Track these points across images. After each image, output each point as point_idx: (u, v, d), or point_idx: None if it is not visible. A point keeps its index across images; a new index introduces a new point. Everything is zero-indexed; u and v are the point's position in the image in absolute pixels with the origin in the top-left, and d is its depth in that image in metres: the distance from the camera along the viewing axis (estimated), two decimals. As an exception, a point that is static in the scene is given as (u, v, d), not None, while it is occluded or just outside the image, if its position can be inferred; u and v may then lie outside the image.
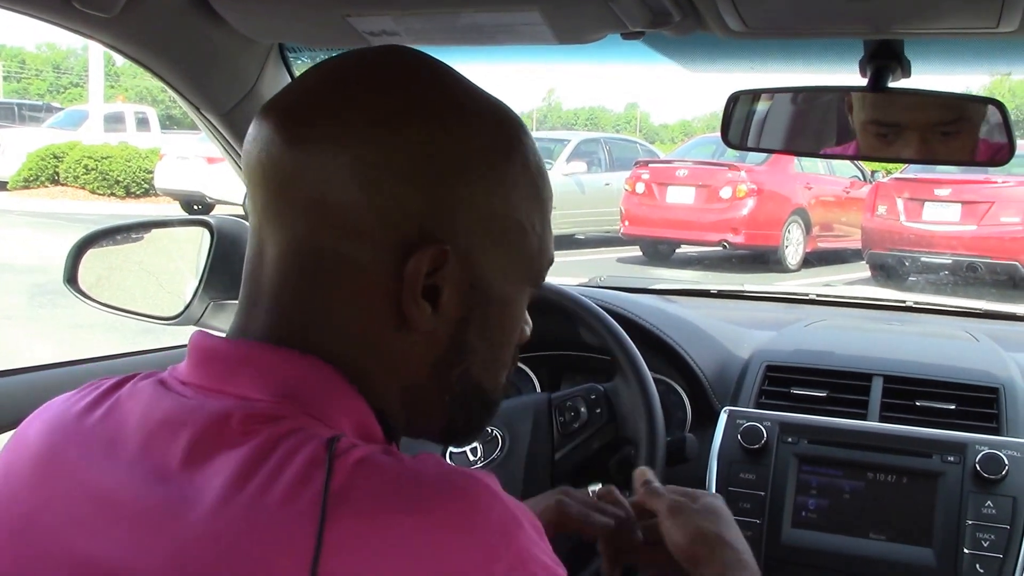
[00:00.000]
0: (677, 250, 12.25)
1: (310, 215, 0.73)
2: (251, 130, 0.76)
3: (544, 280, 0.83)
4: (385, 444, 0.73)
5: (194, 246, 1.78)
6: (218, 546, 0.63)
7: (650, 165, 12.29)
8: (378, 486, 0.64)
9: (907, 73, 1.29)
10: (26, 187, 16.93)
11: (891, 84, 1.28)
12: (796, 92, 1.40)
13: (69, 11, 1.21)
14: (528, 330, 0.86)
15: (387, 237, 0.72)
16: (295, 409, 0.69)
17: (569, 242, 12.88)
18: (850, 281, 9.91)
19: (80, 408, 0.77)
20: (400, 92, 0.74)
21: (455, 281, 0.74)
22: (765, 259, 11.49)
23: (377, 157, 0.72)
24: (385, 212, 0.72)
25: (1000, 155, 1.29)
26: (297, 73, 1.55)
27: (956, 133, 1.32)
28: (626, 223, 11.88)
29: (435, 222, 0.72)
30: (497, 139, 0.76)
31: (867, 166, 13.02)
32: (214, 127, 1.54)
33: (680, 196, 11.50)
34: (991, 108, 1.28)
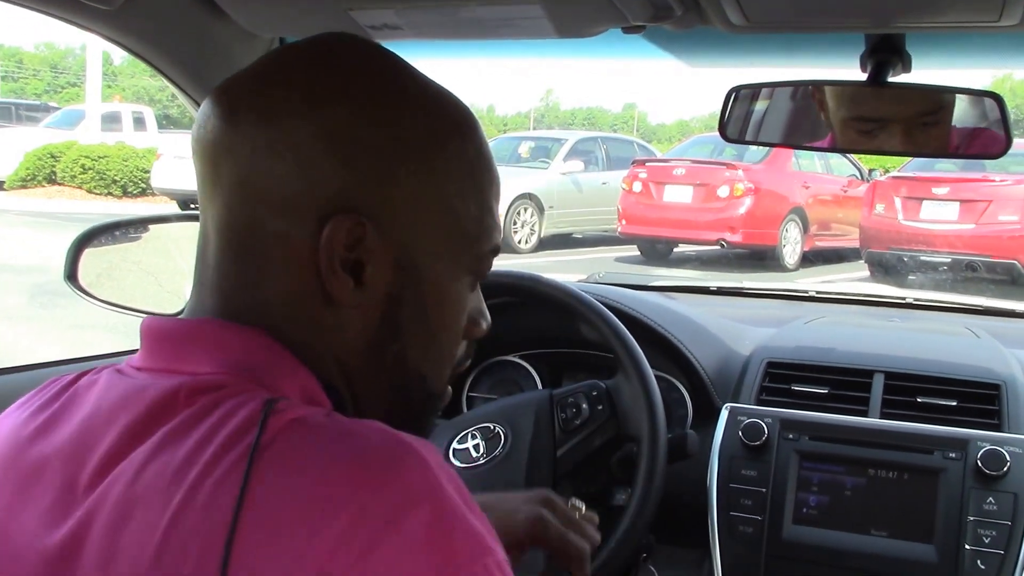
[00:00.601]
0: (675, 249, 12.24)
1: (240, 190, 0.74)
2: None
3: (487, 270, 0.83)
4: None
5: (192, 242, 1.78)
6: (155, 497, 0.64)
7: (647, 164, 12.26)
8: (308, 441, 0.65)
9: (907, 68, 1.29)
10: (23, 187, 16.91)
11: (891, 79, 1.29)
12: (796, 86, 1.40)
13: (71, 4, 1.21)
14: (485, 325, 0.86)
15: (309, 211, 0.73)
16: (242, 378, 0.70)
17: (567, 241, 12.89)
18: (848, 280, 9.91)
19: (27, 417, 0.77)
20: (336, 74, 0.75)
21: (380, 257, 0.74)
22: (763, 258, 11.48)
23: (302, 133, 0.73)
24: (307, 187, 0.73)
25: (997, 148, 1.30)
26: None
27: (954, 127, 1.33)
28: (623, 222, 11.86)
29: (356, 197, 0.73)
30: (433, 127, 0.77)
31: (865, 164, 13.03)
32: (214, 122, 1.53)
33: (677, 195, 11.49)
34: (989, 102, 1.29)
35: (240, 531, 0.61)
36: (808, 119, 1.42)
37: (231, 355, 0.72)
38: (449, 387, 0.85)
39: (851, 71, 1.32)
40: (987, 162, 9.98)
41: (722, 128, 1.42)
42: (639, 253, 12.13)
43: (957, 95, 1.32)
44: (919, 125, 1.34)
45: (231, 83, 0.77)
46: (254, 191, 0.73)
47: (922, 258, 9.93)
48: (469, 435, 1.49)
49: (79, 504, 0.68)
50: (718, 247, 11.51)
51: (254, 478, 0.63)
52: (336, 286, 0.73)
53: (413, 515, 0.62)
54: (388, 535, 0.61)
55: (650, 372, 1.43)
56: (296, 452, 0.64)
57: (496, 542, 0.66)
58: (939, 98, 1.32)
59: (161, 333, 0.75)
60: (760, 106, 1.41)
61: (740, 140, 1.44)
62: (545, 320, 1.72)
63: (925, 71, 1.33)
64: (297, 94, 0.74)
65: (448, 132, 0.78)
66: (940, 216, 9.91)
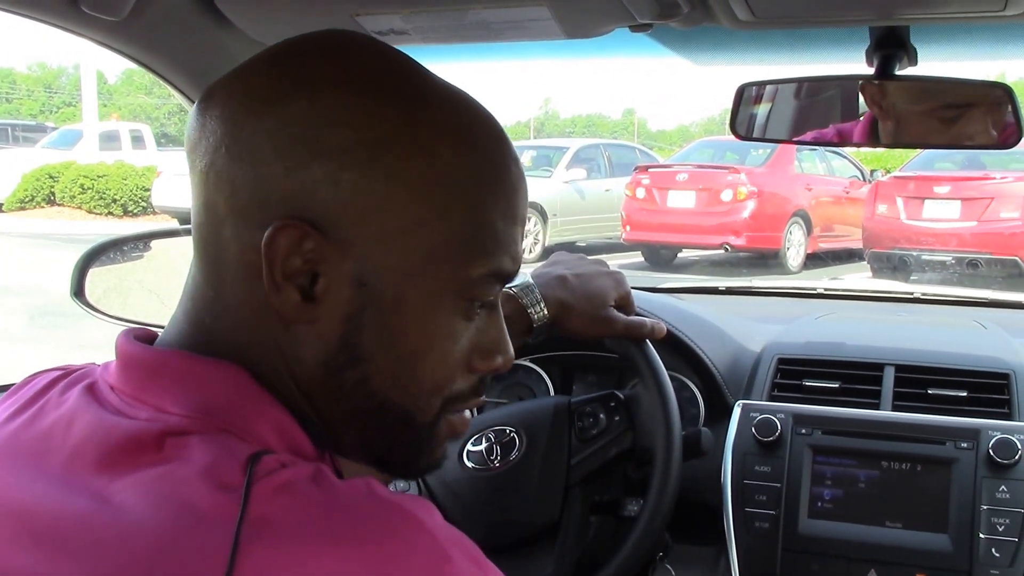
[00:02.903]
0: (679, 254, 12.26)
1: (204, 190, 0.71)
2: None
3: (488, 296, 0.74)
4: (316, 457, 0.70)
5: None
6: (132, 569, 0.60)
7: (650, 170, 12.28)
8: (299, 515, 0.60)
9: (913, 61, 1.30)
10: (22, 208, 16.96)
11: (898, 72, 1.29)
12: (803, 83, 1.41)
13: (77, 15, 1.21)
14: (501, 360, 0.77)
15: (256, 216, 0.68)
16: (208, 424, 0.66)
17: (571, 249, 12.84)
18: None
19: (9, 414, 0.75)
20: (305, 68, 0.70)
21: (335, 271, 0.68)
22: (767, 261, 11.49)
23: (258, 131, 0.68)
24: (257, 189, 0.68)
25: (1010, 138, 1.30)
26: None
27: (963, 118, 1.33)
28: (627, 229, 11.88)
29: (307, 203, 0.67)
30: (417, 131, 0.69)
31: (866, 165, 13.04)
32: (221, 132, 1.54)
33: (681, 200, 11.50)
34: (999, 92, 1.29)
35: None
36: (817, 114, 1.43)
37: (196, 396, 0.67)
38: (461, 417, 0.79)
39: (858, 66, 1.33)
40: (987, 160, 10.06)
41: (733, 125, 1.43)
42: (643, 259, 12.14)
43: (964, 87, 1.33)
44: (927, 117, 1.35)
45: (217, 79, 0.74)
46: (215, 191, 0.70)
47: (925, 257, 9.96)
48: (484, 437, 1.50)
49: None
50: (722, 251, 11.53)
51: (242, 556, 0.58)
52: (279, 299, 0.68)
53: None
54: None
55: (670, 385, 1.42)
56: (287, 531, 0.59)
57: None
58: (946, 90, 1.33)
59: (131, 360, 0.71)
60: (768, 103, 1.42)
61: (750, 137, 1.46)
62: None
63: (932, 63, 1.34)
64: (261, 90, 0.70)
65: (437, 138, 0.70)
66: (942, 215, 9.94)
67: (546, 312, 1.32)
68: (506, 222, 0.73)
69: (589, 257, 1.43)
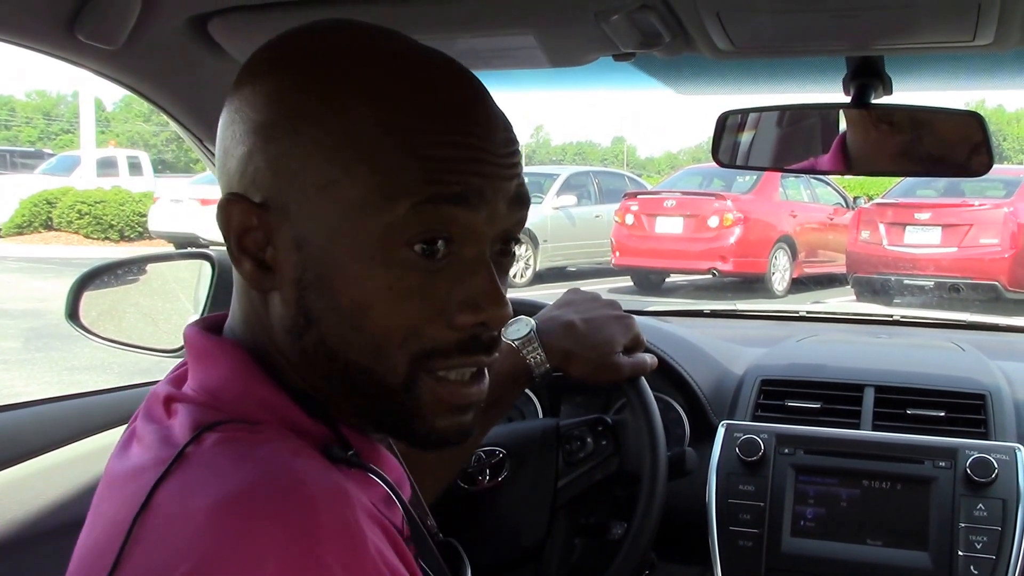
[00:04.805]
0: (667, 279, 12.32)
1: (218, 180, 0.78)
2: None
3: (438, 225, 0.71)
4: (314, 428, 0.73)
5: (192, 279, 1.81)
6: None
7: (639, 197, 12.38)
8: (212, 459, 0.67)
9: (888, 90, 1.33)
10: (20, 233, 16.95)
11: (874, 100, 1.33)
12: (783, 111, 1.44)
13: (73, 44, 1.23)
14: (485, 315, 0.73)
15: (223, 192, 0.75)
16: (203, 400, 0.74)
17: (561, 274, 12.93)
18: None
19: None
20: (257, 58, 0.76)
21: (281, 239, 0.72)
22: (753, 286, 11.56)
23: (223, 123, 0.76)
24: (223, 168, 0.75)
25: (982, 166, 1.33)
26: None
27: (936, 146, 1.36)
28: (617, 254, 11.95)
29: (251, 179, 0.73)
30: (314, 99, 0.72)
31: (849, 192, 13.15)
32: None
33: (669, 226, 11.58)
34: (971, 120, 1.32)
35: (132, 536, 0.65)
36: (797, 142, 1.46)
37: (201, 374, 0.76)
38: (447, 386, 0.75)
39: (836, 95, 1.36)
40: (966, 187, 10.18)
41: (715, 154, 1.45)
42: (632, 284, 12.19)
43: (938, 115, 1.36)
44: (903, 146, 1.38)
45: None
46: (217, 177, 0.78)
47: (907, 281, 10.05)
48: (473, 457, 1.51)
49: None
50: (710, 276, 11.59)
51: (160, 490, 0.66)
52: (242, 270, 0.74)
53: (270, 568, 0.61)
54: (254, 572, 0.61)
55: (656, 410, 1.44)
56: (203, 469, 0.66)
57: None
58: (921, 118, 1.36)
59: (185, 339, 0.80)
60: (750, 131, 1.45)
61: (732, 165, 1.47)
62: None
63: (907, 92, 1.38)
64: (234, 83, 0.76)
65: (350, 99, 0.71)
66: (923, 240, 10.07)
67: (547, 364, 1.32)
68: (434, 147, 0.71)
69: (603, 297, 1.42)
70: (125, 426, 0.78)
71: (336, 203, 0.70)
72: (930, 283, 9.98)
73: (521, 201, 0.77)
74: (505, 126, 0.76)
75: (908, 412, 1.58)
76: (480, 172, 0.72)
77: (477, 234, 0.73)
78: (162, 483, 0.66)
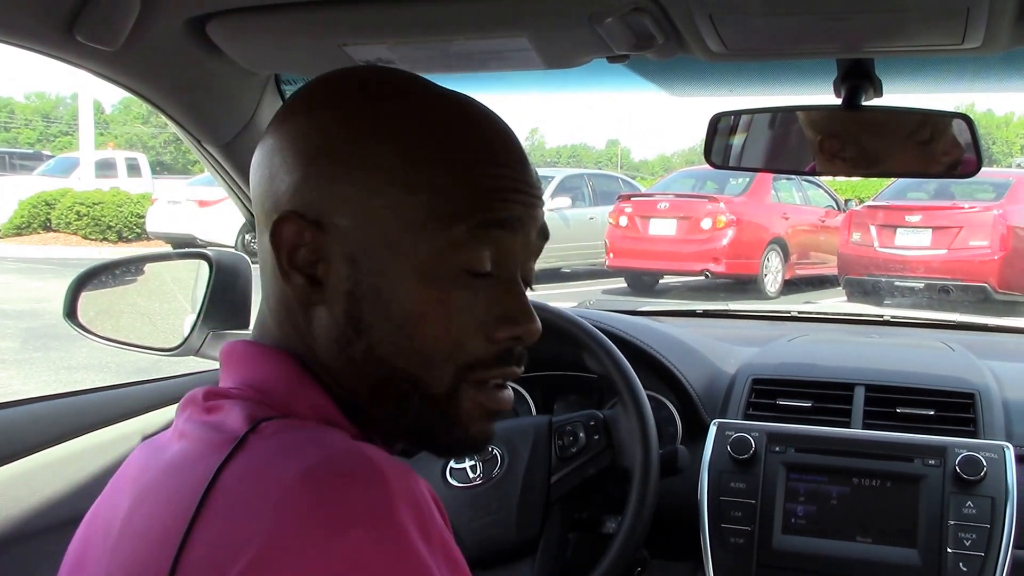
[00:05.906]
0: (660, 280, 12.35)
1: (255, 201, 0.82)
2: None
3: (485, 251, 0.77)
4: (356, 436, 0.75)
5: (190, 278, 1.81)
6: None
7: (632, 199, 12.39)
8: (280, 442, 0.69)
9: (879, 92, 1.34)
10: (18, 234, 16.93)
11: (864, 102, 1.34)
12: (775, 112, 1.45)
13: (72, 45, 1.23)
14: (520, 331, 0.80)
15: (270, 219, 0.78)
16: (250, 396, 0.76)
17: (555, 276, 12.94)
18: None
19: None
20: (306, 93, 0.81)
21: (333, 255, 0.76)
22: (745, 287, 11.59)
23: (269, 149, 0.80)
24: (269, 192, 0.79)
25: (970, 167, 1.35)
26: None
27: (926, 147, 1.38)
28: (611, 255, 11.97)
29: (304, 197, 0.77)
30: (368, 127, 0.77)
31: (840, 194, 13.19)
32: (215, 159, 1.56)
33: (662, 228, 11.59)
34: (959, 123, 1.34)
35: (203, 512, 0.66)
36: (789, 144, 1.47)
37: (247, 374, 0.78)
38: (490, 393, 0.80)
39: (827, 97, 1.38)
40: (957, 190, 10.22)
41: (707, 155, 1.47)
42: (626, 285, 12.21)
43: (928, 117, 1.37)
44: (891, 147, 1.39)
45: None
46: (256, 200, 0.81)
47: (897, 283, 10.09)
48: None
49: None
50: (703, 277, 11.61)
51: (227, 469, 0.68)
52: (291, 286, 0.77)
53: (353, 533, 0.63)
54: (328, 544, 0.63)
55: (648, 408, 1.46)
56: (261, 459, 0.69)
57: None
58: (910, 120, 1.38)
59: (222, 353, 0.83)
60: (742, 133, 1.46)
61: (725, 166, 1.48)
62: (541, 344, 1.75)
63: (898, 95, 1.39)
64: (279, 115, 0.81)
65: (403, 128, 0.77)
66: (914, 243, 10.11)
67: None
68: (485, 178, 0.77)
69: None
70: (123, 423, 0.80)
71: (395, 222, 0.76)
72: (920, 284, 10.01)
73: (545, 234, 0.84)
74: (529, 162, 0.83)
75: (898, 411, 1.60)
76: (519, 201, 0.79)
77: (514, 257, 0.80)
78: (226, 466, 0.68)
